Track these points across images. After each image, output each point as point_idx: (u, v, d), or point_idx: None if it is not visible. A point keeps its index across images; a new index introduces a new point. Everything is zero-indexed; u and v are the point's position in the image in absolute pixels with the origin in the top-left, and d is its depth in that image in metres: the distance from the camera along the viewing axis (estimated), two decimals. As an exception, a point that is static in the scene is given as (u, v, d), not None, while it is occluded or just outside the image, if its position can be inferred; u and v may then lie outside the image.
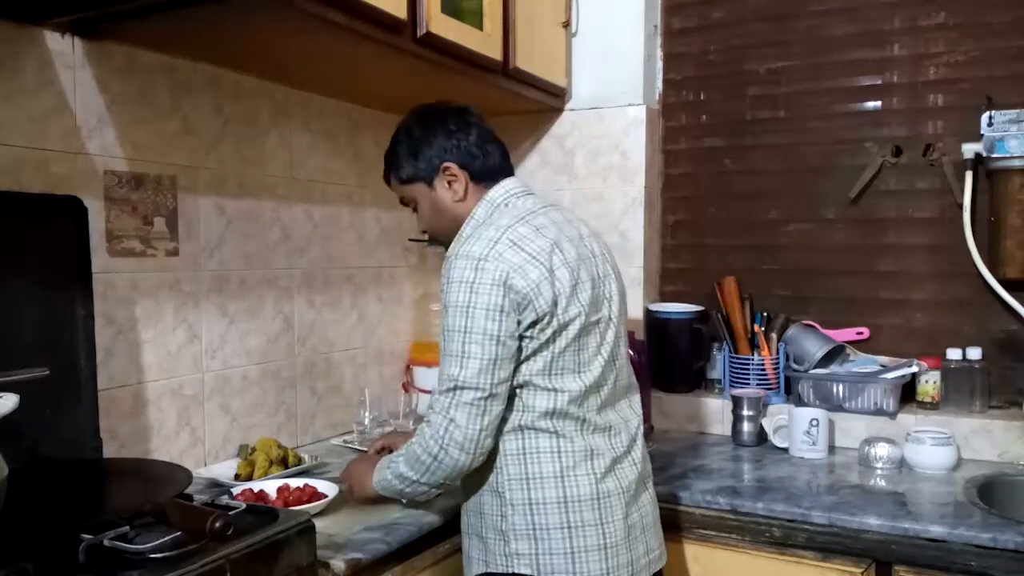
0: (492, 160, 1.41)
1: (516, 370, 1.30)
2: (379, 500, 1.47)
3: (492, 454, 1.34)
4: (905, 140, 2.16)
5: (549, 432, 1.32)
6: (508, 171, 1.44)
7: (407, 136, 1.43)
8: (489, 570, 1.37)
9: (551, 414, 1.31)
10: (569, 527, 1.31)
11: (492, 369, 1.26)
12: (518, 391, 1.32)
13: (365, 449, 2.00)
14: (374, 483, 1.43)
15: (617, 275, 1.46)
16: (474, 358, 1.25)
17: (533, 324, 1.28)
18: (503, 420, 1.32)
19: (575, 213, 1.48)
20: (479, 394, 1.26)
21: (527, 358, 1.30)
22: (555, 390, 1.31)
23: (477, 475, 1.36)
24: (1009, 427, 1.94)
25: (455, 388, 1.27)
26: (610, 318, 1.39)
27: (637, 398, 1.48)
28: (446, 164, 1.40)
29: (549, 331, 1.29)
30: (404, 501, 1.48)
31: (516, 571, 1.32)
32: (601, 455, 1.34)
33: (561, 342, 1.30)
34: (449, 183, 1.41)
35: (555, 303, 1.28)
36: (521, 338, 1.29)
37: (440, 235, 1.48)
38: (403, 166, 1.44)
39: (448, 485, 1.37)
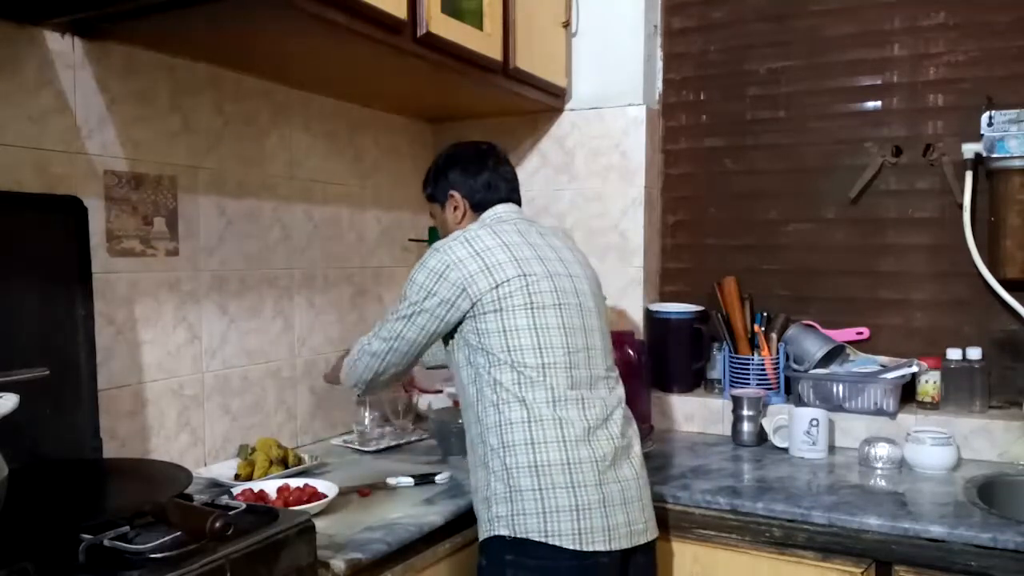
0: (494, 196, 1.65)
1: (478, 342, 1.48)
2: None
3: (478, 430, 1.49)
4: (905, 140, 2.16)
5: (520, 403, 1.45)
6: (508, 200, 1.67)
7: (435, 163, 1.72)
8: (481, 538, 1.48)
9: (519, 386, 1.45)
10: (541, 489, 1.41)
11: (405, 337, 1.57)
12: (490, 369, 1.47)
13: (365, 449, 2.00)
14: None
15: (589, 277, 1.64)
16: (390, 335, 1.58)
17: (472, 306, 1.47)
18: (483, 396, 1.48)
19: (558, 229, 1.77)
20: (379, 353, 1.60)
21: (482, 332, 1.48)
22: (516, 364, 1.45)
23: (470, 453, 1.53)
24: (1009, 427, 1.94)
25: (376, 345, 1.60)
26: (580, 311, 1.54)
27: (619, 389, 1.58)
28: (451, 193, 1.67)
29: (490, 311, 1.47)
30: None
31: (497, 533, 1.43)
32: (571, 424, 1.45)
33: (506, 321, 1.46)
34: (454, 208, 1.67)
35: (493, 289, 1.47)
36: (465, 317, 1.50)
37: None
38: (427, 185, 1.73)
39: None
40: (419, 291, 1.52)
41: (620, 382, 1.61)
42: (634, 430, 1.58)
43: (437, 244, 1.56)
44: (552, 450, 1.43)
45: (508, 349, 1.47)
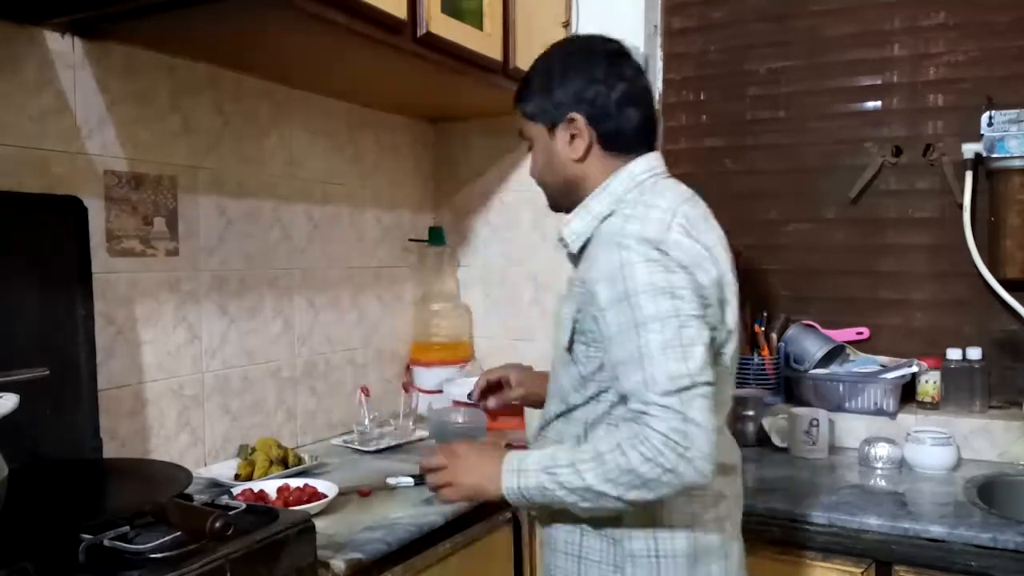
0: (629, 126, 1.20)
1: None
2: (479, 498, 1.23)
3: None
4: (905, 140, 2.16)
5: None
6: (648, 145, 1.23)
7: (545, 66, 1.24)
8: None
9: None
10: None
11: (711, 359, 1.06)
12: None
13: (365, 449, 2.00)
14: (506, 488, 1.14)
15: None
16: (697, 345, 1.04)
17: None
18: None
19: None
20: (708, 389, 1.03)
21: None
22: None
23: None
24: (1009, 427, 1.94)
25: (686, 388, 1.02)
26: (734, 332, 1.20)
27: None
28: (573, 115, 1.19)
29: (716, 347, 1.12)
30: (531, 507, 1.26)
31: None
32: (725, 499, 1.18)
33: (721, 365, 1.14)
34: (572, 137, 1.20)
35: (723, 312, 1.14)
36: None
37: (548, 189, 1.29)
38: (531, 98, 1.24)
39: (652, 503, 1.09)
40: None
41: None
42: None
43: (632, 230, 1.09)
44: (711, 533, 1.15)
45: None
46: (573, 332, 1.16)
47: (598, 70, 1.19)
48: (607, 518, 1.13)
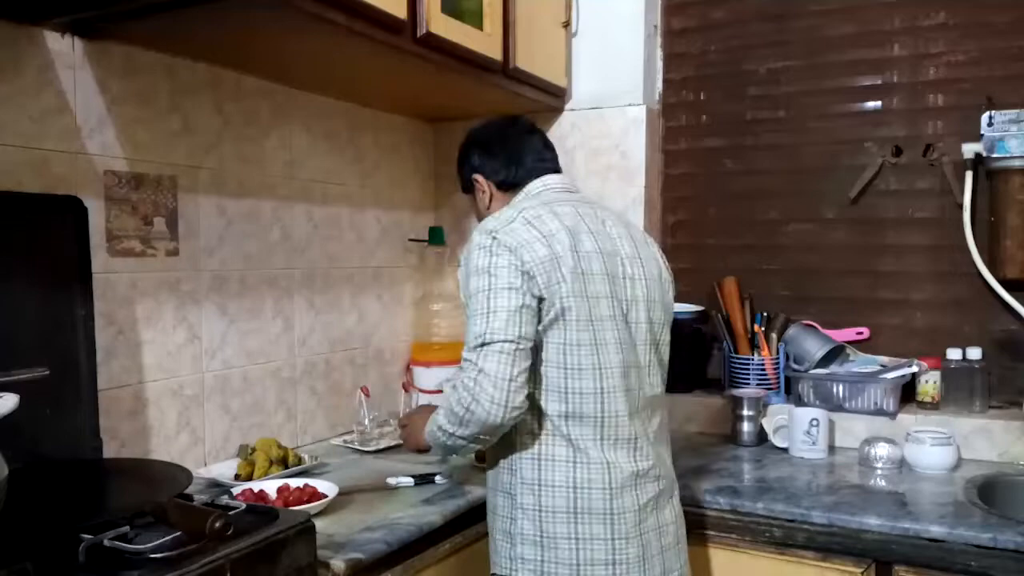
0: (521, 171, 1.51)
1: (536, 358, 1.30)
2: (430, 451, 1.51)
3: (508, 455, 1.36)
4: (905, 140, 2.16)
5: (565, 440, 1.32)
6: (545, 172, 1.51)
7: (460, 153, 1.61)
8: (494, 571, 1.39)
9: (567, 417, 1.32)
10: (577, 538, 1.31)
11: (518, 320, 1.27)
12: (535, 392, 1.32)
13: (365, 449, 2.00)
14: (425, 433, 1.41)
15: (656, 280, 1.45)
16: (500, 311, 1.27)
17: (539, 302, 1.30)
18: (521, 422, 1.31)
19: (621, 216, 1.53)
20: (508, 345, 1.25)
21: (540, 344, 1.31)
22: (569, 392, 1.31)
23: (494, 474, 1.40)
24: (1009, 427, 1.94)
25: (483, 344, 1.26)
26: (636, 321, 1.39)
27: (665, 410, 1.47)
28: (475, 177, 1.55)
29: (550, 315, 1.30)
30: (446, 456, 1.61)
31: None
32: (619, 469, 1.33)
33: (569, 333, 1.31)
34: (481, 193, 1.55)
35: (556, 284, 1.30)
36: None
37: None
38: (458, 177, 1.62)
39: (486, 440, 1.33)
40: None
41: (665, 399, 1.48)
42: (670, 454, 1.47)
43: (481, 225, 1.39)
44: (596, 498, 1.31)
45: (564, 367, 1.32)
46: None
47: (487, 144, 1.55)
48: (508, 477, 1.36)
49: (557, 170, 1.54)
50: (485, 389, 1.24)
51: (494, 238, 1.31)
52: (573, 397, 1.31)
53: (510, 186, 1.52)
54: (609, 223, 1.43)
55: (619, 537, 1.31)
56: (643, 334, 1.40)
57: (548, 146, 1.57)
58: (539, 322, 1.30)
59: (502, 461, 1.37)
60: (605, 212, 1.47)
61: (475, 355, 1.26)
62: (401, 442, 1.71)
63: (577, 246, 1.34)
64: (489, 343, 1.25)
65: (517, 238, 1.31)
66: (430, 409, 1.46)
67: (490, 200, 1.54)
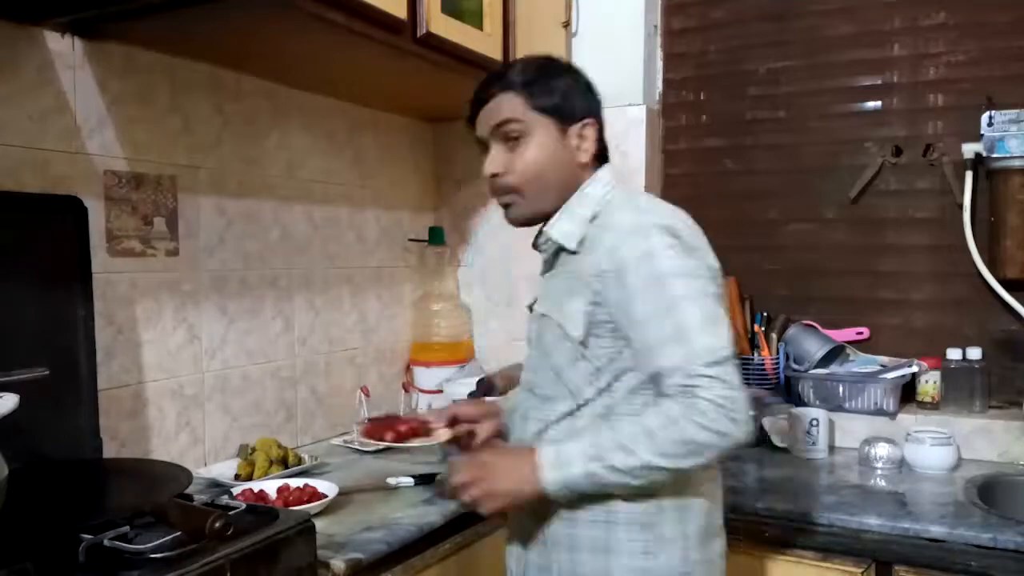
0: (604, 144, 1.30)
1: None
2: (519, 502, 1.19)
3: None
4: (905, 140, 2.16)
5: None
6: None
7: (553, 65, 1.27)
8: None
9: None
10: (710, 561, 1.21)
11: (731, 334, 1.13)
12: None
13: (365, 449, 1.99)
14: (549, 482, 1.13)
15: None
16: (723, 320, 1.12)
17: None
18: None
19: None
20: (735, 360, 1.11)
21: None
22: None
23: (593, 503, 1.17)
24: (1009, 427, 1.94)
25: (724, 359, 1.09)
26: None
27: None
28: (589, 119, 1.25)
29: None
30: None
31: None
32: (717, 475, 1.26)
33: None
34: (579, 138, 1.24)
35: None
36: None
37: (529, 189, 1.25)
38: (543, 91, 1.23)
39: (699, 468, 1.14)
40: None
41: None
42: None
43: (647, 220, 1.16)
44: (715, 511, 1.23)
45: None
46: (586, 326, 1.18)
47: (592, 86, 1.30)
48: (638, 507, 1.16)
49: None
50: (740, 408, 1.07)
51: (677, 236, 1.14)
52: None
53: (601, 160, 1.28)
54: None
55: (722, 554, 1.24)
56: None
57: None
58: None
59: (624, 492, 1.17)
60: None
61: (719, 371, 1.07)
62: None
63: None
64: (729, 356, 1.09)
65: (695, 238, 1.18)
66: (517, 455, 1.20)
67: (586, 161, 1.25)
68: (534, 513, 1.22)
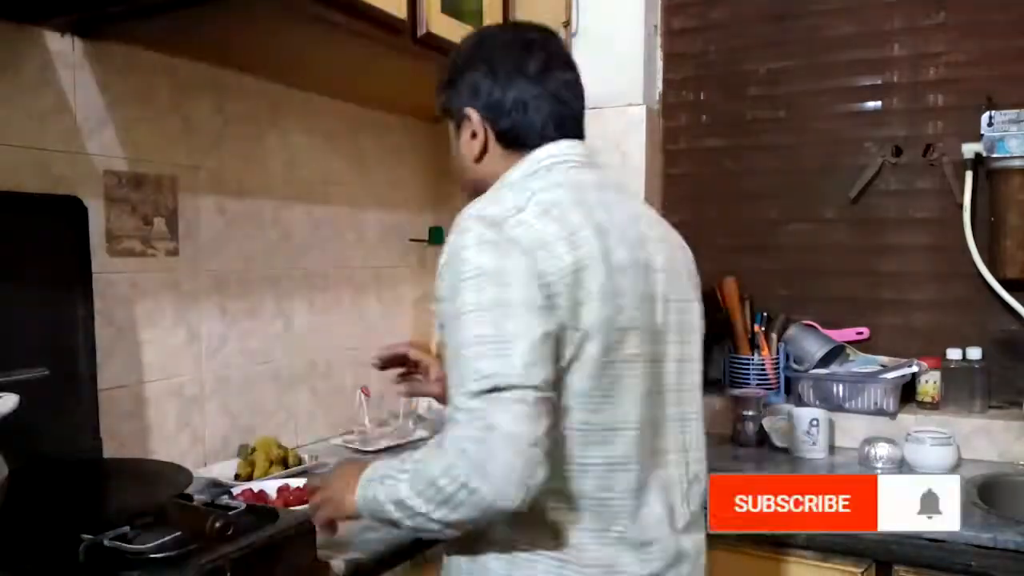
0: (533, 122, 1.06)
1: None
2: (358, 518, 1.05)
3: (467, 536, 0.97)
4: (905, 140, 2.16)
5: (550, 529, 0.95)
6: (565, 135, 1.09)
7: (453, 55, 1.13)
8: None
9: (555, 496, 0.94)
10: None
11: (542, 355, 0.88)
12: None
13: (365, 449, 2.00)
14: (356, 498, 1.00)
15: (689, 300, 1.15)
16: (517, 340, 0.87)
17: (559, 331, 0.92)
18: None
19: (653, 211, 1.16)
20: (530, 393, 0.87)
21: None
22: (564, 462, 0.93)
23: (447, 553, 1.05)
24: (1009, 427, 1.94)
25: (494, 388, 0.86)
26: (671, 358, 1.07)
27: (702, 487, 1.15)
28: (467, 110, 1.08)
29: (568, 352, 0.93)
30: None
31: None
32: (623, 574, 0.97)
33: (582, 379, 0.94)
34: (471, 135, 1.08)
35: (576, 308, 0.93)
36: None
37: (464, 193, 1.13)
38: (440, 91, 1.12)
39: (468, 527, 0.93)
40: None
41: (706, 473, 1.17)
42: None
43: (476, 210, 0.98)
44: None
45: (580, 427, 0.96)
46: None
47: (503, 62, 1.07)
48: (464, 566, 0.99)
49: (579, 133, 1.11)
50: (497, 456, 0.84)
51: (499, 229, 0.93)
52: (570, 469, 0.95)
53: (516, 143, 1.07)
54: (644, 220, 1.09)
55: None
56: (672, 376, 1.09)
57: (573, 86, 1.11)
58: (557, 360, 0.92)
59: (459, 542, 1.01)
60: (635, 201, 1.12)
61: (480, 403, 0.86)
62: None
63: (609, 254, 0.96)
64: (504, 388, 0.86)
65: (533, 234, 0.93)
66: (358, 467, 1.03)
67: (482, 152, 1.08)
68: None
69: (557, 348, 0.91)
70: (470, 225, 0.95)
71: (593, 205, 1.00)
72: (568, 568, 0.95)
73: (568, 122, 1.10)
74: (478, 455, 0.85)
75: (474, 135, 1.08)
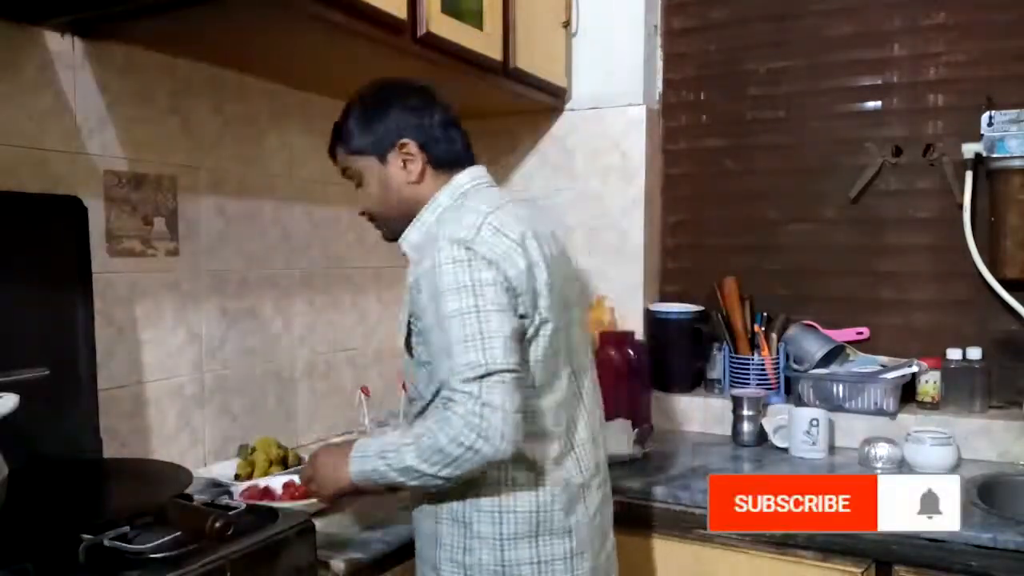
0: (455, 147, 1.33)
1: None
2: (355, 492, 1.30)
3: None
4: (905, 140, 2.16)
5: (527, 461, 1.23)
6: (471, 160, 1.36)
7: (361, 105, 1.35)
8: None
9: (530, 438, 1.20)
10: (540, 562, 1.24)
11: (514, 346, 1.15)
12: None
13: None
14: (352, 473, 1.24)
15: (579, 277, 1.44)
16: (495, 336, 1.14)
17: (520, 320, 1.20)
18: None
19: (536, 206, 1.44)
20: (508, 375, 1.13)
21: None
22: (532, 411, 1.22)
23: (434, 501, 1.28)
24: (1009, 427, 1.94)
25: (485, 374, 1.12)
26: (576, 323, 1.34)
27: (600, 412, 1.41)
28: (403, 141, 1.30)
29: (530, 332, 1.22)
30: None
31: None
32: (571, 482, 1.27)
33: (538, 349, 1.23)
34: (405, 162, 1.31)
35: (535, 299, 1.21)
36: None
37: (384, 216, 1.37)
38: (353, 135, 1.33)
39: (466, 477, 1.19)
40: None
41: (600, 401, 1.41)
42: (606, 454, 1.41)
43: (447, 232, 1.21)
44: (556, 519, 1.26)
45: (530, 385, 1.22)
46: (409, 334, 1.27)
47: (412, 100, 1.34)
48: (458, 505, 1.25)
49: (475, 161, 1.38)
50: (494, 424, 1.11)
51: (468, 249, 1.17)
52: (536, 417, 1.24)
53: (447, 165, 1.32)
54: (543, 220, 1.36)
55: (577, 554, 1.26)
56: (582, 336, 1.36)
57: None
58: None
59: (450, 488, 1.24)
60: (533, 206, 1.40)
61: (475, 387, 1.12)
62: None
63: (545, 253, 1.25)
64: (492, 372, 1.12)
65: (495, 249, 1.19)
66: (341, 449, 1.30)
67: (420, 176, 1.31)
68: (412, 499, 1.34)
69: (522, 334, 1.20)
70: (443, 246, 1.18)
71: (523, 217, 1.26)
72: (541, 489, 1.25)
73: (470, 147, 1.37)
74: (478, 425, 1.11)
75: (407, 163, 1.31)
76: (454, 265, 1.17)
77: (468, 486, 1.23)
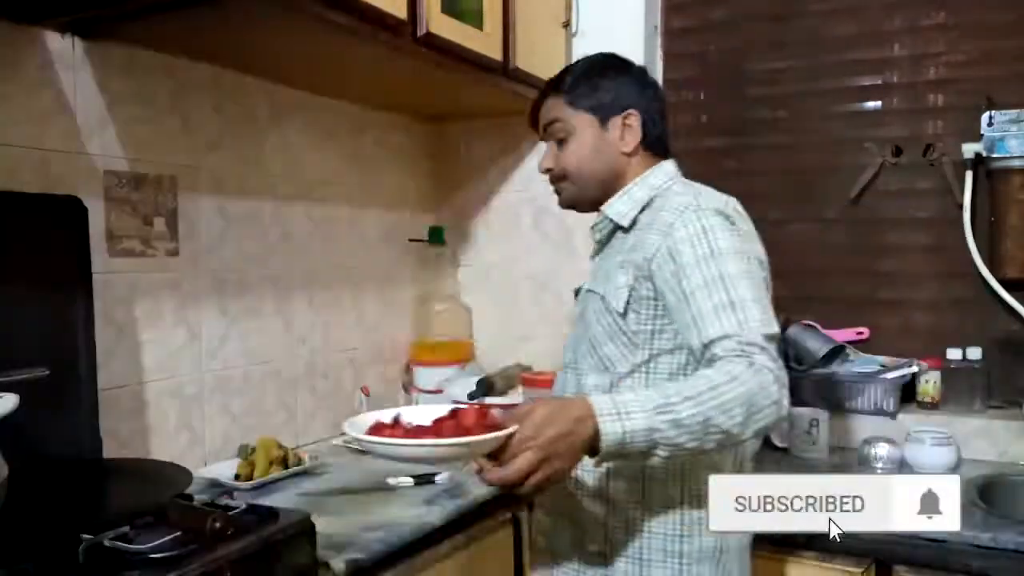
0: (664, 134, 1.34)
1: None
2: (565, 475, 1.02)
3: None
4: (905, 140, 2.16)
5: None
6: (670, 153, 1.36)
7: (600, 65, 1.33)
8: None
9: None
10: (744, 548, 1.33)
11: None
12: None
13: (365, 450, 1.99)
14: (612, 434, 0.98)
15: None
16: (768, 304, 1.12)
17: None
18: None
19: None
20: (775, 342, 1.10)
21: None
22: None
23: (644, 486, 1.22)
24: (1009, 427, 1.94)
25: (774, 337, 1.09)
26: None
27: None
28: (631, 111, 1.29)
29: None
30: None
31: None
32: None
33: None
34: (623, 130, 1.29)
35: (768, 281, 1.23)
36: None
37: (579, 179, 1.32)
38: (582, 90, 1.30)
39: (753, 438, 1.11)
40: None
41: None
42: None
43: (703, 202, 1.20)
44: None
45: None
46: (628, 300, 1.21)
47: (645, 79, 1.34)
48: (664, 489, 1.21)
49: None
50: (784, 381, 1.06)
51: (732, 222, 1.19)
52: None
53: (654, 149, 1.32)
54: None
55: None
56: None
57: None
58: None
59: (664, 471, 1.20)
60: None
61: (770, 343, 1.07)
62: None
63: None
64: (776, 338, 1.10)
65: (748, 227, 1.23)
66: (564, 404, 1.02)
67: (636, 148, 1.29)
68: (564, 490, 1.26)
69: None
70: (708, 214, 1.18)
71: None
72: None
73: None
74: (782, 379, 1.06)
75: (625, 133, 1.29)
76: (727, 230, 1.17)
77: (683, 469, 1.20)
